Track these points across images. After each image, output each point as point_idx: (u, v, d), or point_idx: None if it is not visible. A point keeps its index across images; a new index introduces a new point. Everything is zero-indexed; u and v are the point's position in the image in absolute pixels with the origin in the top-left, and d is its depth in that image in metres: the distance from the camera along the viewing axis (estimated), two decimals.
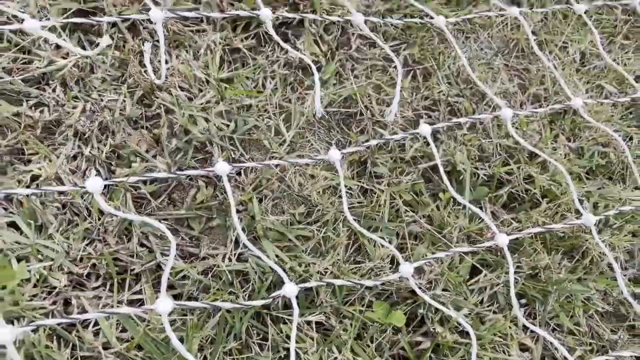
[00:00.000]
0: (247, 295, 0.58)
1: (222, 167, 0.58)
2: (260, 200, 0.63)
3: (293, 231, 0.62)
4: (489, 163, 0.72)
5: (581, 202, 0.72)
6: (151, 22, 0.61)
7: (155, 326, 0.54)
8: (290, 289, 0.54)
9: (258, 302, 0.53)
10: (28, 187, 0.56)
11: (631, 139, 0.80)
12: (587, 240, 0.68)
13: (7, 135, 0.58)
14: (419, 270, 0.63)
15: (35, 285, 0.53)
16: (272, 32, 0.66)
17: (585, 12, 0.84)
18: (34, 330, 0.51)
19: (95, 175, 0.53)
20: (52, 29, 0.62)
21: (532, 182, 0.71)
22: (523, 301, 0.66)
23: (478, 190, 0.70)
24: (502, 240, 0.63)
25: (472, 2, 0.83)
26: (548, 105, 0.78)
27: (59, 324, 0.52)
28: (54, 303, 0.54)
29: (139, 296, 0.57)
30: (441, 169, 0.66)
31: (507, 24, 0.83)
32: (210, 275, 0.59)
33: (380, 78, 0.75)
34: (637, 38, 0.89)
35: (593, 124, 0.75)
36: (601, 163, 0.75)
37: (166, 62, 0.64)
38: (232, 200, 0.57)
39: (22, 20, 0.57)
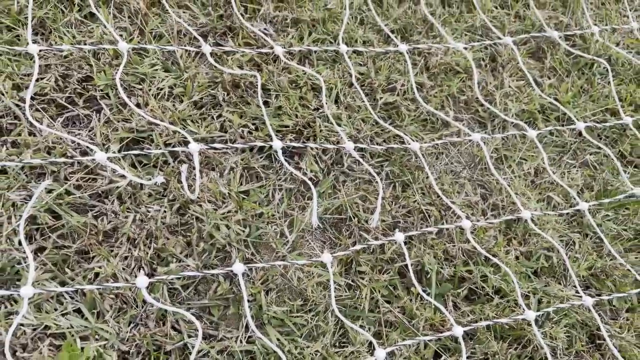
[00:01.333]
0: None
1: (238, 267, 0.75)
2: (267, 292, 0.80)
3: (292, 319, 0.78)
4: (453, 263, 0.89)
5: (528, 297, 0.88)
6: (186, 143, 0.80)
7: None
8: None
9: None
10: (91, 282, 0.73)
11: (574, 243, 0.96)
12: (529, 332, 0.84)
13: (76, 240, 0.76)
14: (391, 354, 0.79)
15: None
16: (281, 158, 0.85)
17: (537, 136, 1.03)
18: None
19: (143, 274, 0.71)
20: (111, 150, 0.82)
21: (487, 281, 0.88)
22: None
23: (443, 286, 0.87)
24: (458, 331, 0.79)
25: (444, 126, 1.02)
26: (505, 213, 0.95)
27: None
28: None
29: None
30: (411, 270, 0.83)
31: (473, 143, 1.02)
32: (225, 353, 0.75)
33: (367, 189, 0.93)
34: (582, 156, 1.07)
35: (539, 232, 0.92)
36: (545, 265, 0.91)
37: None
38: (244, 294, 0.74)
39: (93, 151, 0.76)
